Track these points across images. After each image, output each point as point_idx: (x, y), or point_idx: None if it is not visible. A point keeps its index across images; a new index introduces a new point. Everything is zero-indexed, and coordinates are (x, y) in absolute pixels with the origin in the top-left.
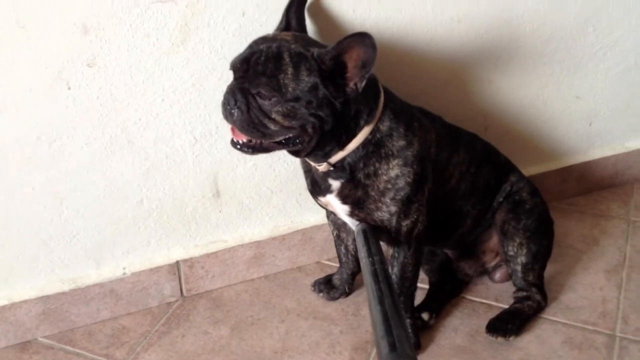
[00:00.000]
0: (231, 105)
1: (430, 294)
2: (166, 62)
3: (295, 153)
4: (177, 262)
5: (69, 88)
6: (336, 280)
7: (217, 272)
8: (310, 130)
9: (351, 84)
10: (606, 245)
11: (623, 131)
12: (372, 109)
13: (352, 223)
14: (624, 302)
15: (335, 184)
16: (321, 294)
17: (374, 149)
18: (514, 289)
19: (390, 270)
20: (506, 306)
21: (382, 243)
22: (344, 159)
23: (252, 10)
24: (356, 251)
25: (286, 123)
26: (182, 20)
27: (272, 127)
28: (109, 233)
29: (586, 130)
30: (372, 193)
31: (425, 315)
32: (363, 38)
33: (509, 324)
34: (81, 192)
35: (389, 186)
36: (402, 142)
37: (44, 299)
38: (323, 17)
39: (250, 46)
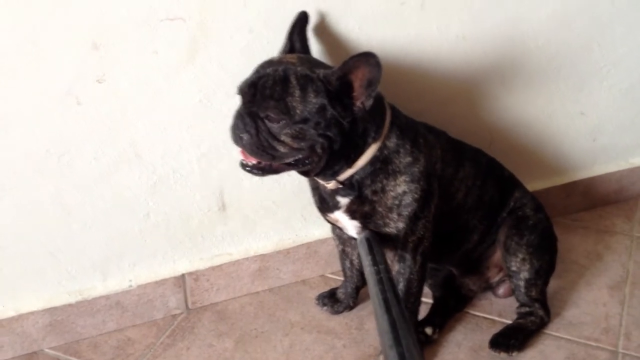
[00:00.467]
0: (240, 130)
1: (433, 308)
2: (175, 78)
3: (304, 173)
4: (183, 275)
5: (79, 103)
6: (340, 294)
7: (222, 284)
8: (319, 150)
9: (358, 103)
10: (610, 261)
11: (627, 147)
12: (379, 127)
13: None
14: (626, 318)
15: (344, 200)
16: (325, 308)
17: (382, 165)
18: (517, 304)
19: None
20: (509, 321)
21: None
22: (352, 176)
23: (259, 27)
24: (361, 265)
25: (295, 145)
26: (191, 37)
27: (282, 149)
28: (115, 246)
29: (591, 146)
30: (380, 209)
31: (428, 330)
32: (368, 57)
33: (512, 339)
34: (89, 205)
35: (396, 202)
36: (408, 159)
37: (51, 310)
38: (329, 36)
39: (257, 70)
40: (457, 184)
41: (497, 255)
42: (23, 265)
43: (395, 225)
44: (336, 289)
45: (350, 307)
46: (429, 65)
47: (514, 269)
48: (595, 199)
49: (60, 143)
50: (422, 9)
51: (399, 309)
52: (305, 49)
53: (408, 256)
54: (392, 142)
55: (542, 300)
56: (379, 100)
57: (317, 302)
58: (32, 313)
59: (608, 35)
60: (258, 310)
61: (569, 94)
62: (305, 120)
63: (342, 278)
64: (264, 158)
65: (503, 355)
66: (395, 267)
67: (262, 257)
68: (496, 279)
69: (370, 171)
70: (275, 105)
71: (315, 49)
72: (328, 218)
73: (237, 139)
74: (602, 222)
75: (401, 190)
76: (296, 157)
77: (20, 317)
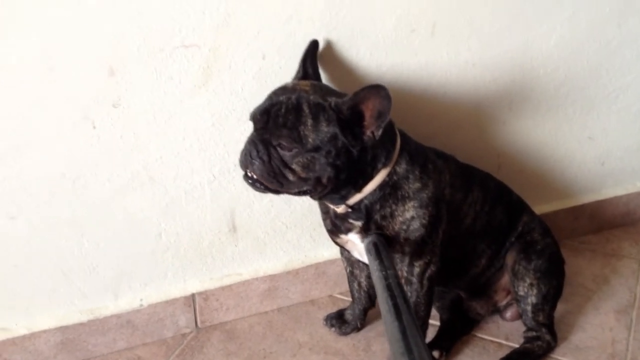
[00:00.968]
0: (253, 156)
1: (440, 331)
2: (188, 102)
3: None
4: (193, 295)
5: (94, 127)
6: (348, 316)
7: (232, 304)
8: (324, 181)
9: (368, 132)
10: (617, 285)
11: (635, 171)
12: (389, 152)
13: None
14: (633, 343)
15: (357, 223)
16: (333, 329)
17: (391, 191)
18: (524, 328)
19: None
20: (516, 345)
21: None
22: (361, 200)
23: (272, 54)
24: (369, 287)
25: (303, 174)
26: (205, 63)
27: (291, 177)
28: (127, 266)
29: (599, 169)
30: (388, 234)
31: (435, 353)
32: (378, 90)
33: None
34: (102, 226)
35: (404, 227)
36: (417, 185)
37: (63, 329)
38: (341, 62)
39: (270, 97)
40: (466, 208)
41: (505, 279)
42: (36, 284)
43: (401, 249)
44: (344, 310)
45: (358, 329)
46: (438, 90)
47: (521, 293)
48: (602, 222)
49: (75, 166)
50: (432, 36)
51: (410, 316)
52: (317, 75)
53: (415, 280)
54: (401, 168)
55: (549, 324)
56: (389, 127)
57: (325, 322)
58: (44, 331)
59: (617, 61)
60: (267, 330)
61: (577, 118)
62: (316, 149)
63: (350, 298)
64: (273, 185)
65: None
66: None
67: (272, 277)
68: (504, 302)
69: (380, 196)
70: (288, 134)
71: (328, 74)
72: (338, 241)
73: (248, 164)
74: (609, 245)
75: (409, 216)
76: (302, 189)
77: (32, 335)
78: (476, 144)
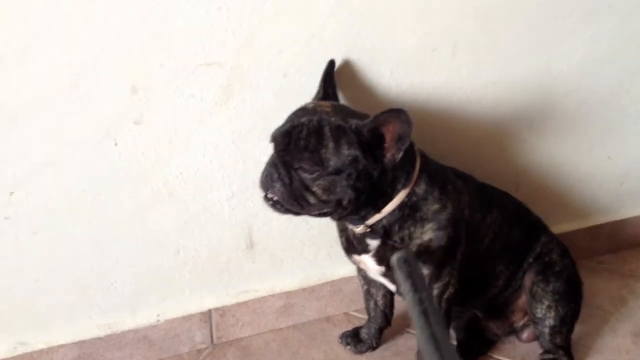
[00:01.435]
0: (274, 179)
1: (457, 352)
2: (209, 120)
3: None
4: (210, 311)
5: (116, 144)
6: (364, 334)
7: (248, 320)
8: (345, 203)
9: (389, 155)
10: (635, 307)
11: None
12: (409, 174)
13: (384, 282)
14: None
15: (374, 243)
16: (349, 347)
17: (410, 212)
18: (541, 350)
19: None
20: None
21: None
22: (380, 221)
23: (293, 73)
24: (385, 306)
25: (324, 197)
26: (227, 81)
27: (312, 200)
28: (145, 282)
29: (618, 190)
30: None
31: None
32: (399, 114)
33: None
34: (121, 243)
35: (422, 250)
36: (436, 206)
37: (80, 344)
38: (361, 81)
39: (291, 119)
40: (485, 230)
41: (523, 300)
42: (55, 300)
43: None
44: (360, 328)
45: (374, 348)
46: (459, 109)
47: (539, 316)
48: (621, 242)
49: (96, 183)
50: (453, 56)
51: (450, 346)
52: (335, 95)
53: (434, 302)
54: (421, 189)
55: (566, 347)
56: (409, 148)
57: (340, 341)
58: (62, 346)
59: (638, 82)
60: (282, 348)
61: (597, 138)
62: (338, 172)
63: (366, 316)
64: (294, 208)
65: None
66: None
67: (288, 295)
68: (521, 323)
69: (399, 217)
70: (310, 157)
71: (349, 93)
72: (353, 260)
73: (269, 186)
74: (627, 265)
75: (428, 238)
76: (322, 211)
77: (50, 350)
78: (496, 163)
